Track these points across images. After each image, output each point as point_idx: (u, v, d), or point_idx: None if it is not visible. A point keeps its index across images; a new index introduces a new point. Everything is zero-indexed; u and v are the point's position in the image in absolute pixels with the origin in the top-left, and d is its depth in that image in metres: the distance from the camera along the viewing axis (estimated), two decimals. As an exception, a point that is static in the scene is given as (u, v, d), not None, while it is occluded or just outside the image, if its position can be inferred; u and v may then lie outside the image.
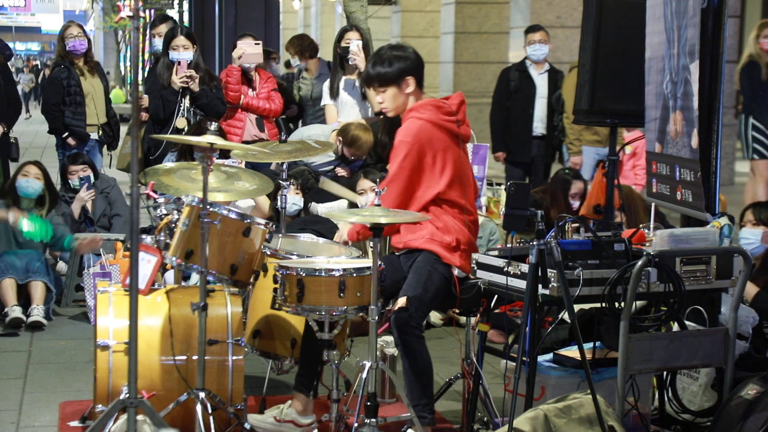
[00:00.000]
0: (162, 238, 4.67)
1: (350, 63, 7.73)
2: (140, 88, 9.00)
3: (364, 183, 6.73)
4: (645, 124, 5.42)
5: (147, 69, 8.71)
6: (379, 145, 7.29)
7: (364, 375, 4.35)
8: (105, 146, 8.86)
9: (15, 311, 6.65)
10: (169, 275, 5.44)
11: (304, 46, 8.96)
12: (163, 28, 8.36)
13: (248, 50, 7.97)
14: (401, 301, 4.52)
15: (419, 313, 4.56)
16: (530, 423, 4.03)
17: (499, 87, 9.23)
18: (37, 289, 6.83)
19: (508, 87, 8.95)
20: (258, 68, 8.19)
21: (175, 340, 4.56)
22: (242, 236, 4.54)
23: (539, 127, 8.88)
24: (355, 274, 4.38)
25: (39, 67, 39.14)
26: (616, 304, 4.16)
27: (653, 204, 5.34)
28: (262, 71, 8.31)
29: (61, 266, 7.58)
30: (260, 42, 8.19)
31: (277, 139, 5.70)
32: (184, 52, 7.64)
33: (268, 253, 4.70)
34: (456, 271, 4.66)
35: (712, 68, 4.93)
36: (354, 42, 7.70)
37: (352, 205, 6.78)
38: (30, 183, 7.19)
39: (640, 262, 4.10)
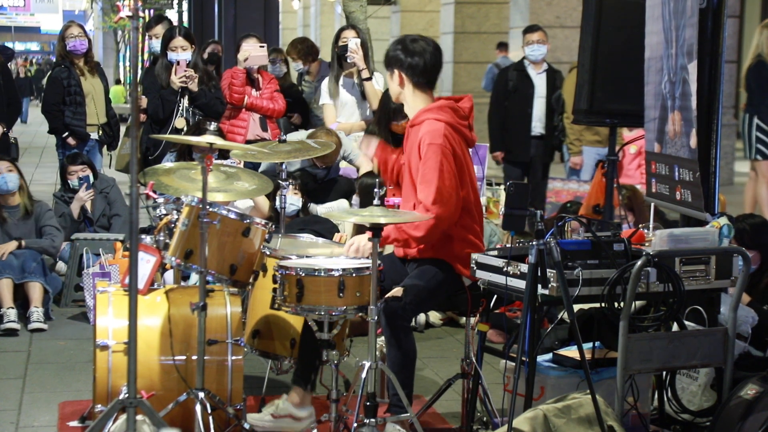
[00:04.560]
0: (161, 238, 4.67)
1: (348, 61, 7.74)
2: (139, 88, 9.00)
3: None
4: (644, 124, 5.42)
5: (144, 69, 8.71)
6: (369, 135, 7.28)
7: (364, 375, 4.34)
8: (105, 146, 8.86)
9: (10, 315, 6.62)
10: (169, 275, 5.44)
11: (306, 49, 8.96)
12: (159, 29, 8.36)
13: (254, 53, 8.00)
14: (396, 290, 4.53)
15: (411, 307, 4.56)
16: (530, 423, 4.03)
17: (497, 87, 9.23)
18: (35, 290, 6.82)
19: (506, 87, 8.96)
20: (260, 69, 8.20)
21: (175, 340, 4.56)
22: (242, 236, 4.54)
23: (538, 126, 8.89)
24: (354, 274, 4.38)
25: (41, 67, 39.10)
26: (616, 304, 4.16)
27: (653, 204, 5.34)
28: (265, 72, 8.32)
29: (61, 266, 7.58)
30: (265, 44, 8.21)
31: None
32: (182, 53, 7.65)
33: (268, 253, 4.70)
34: (467, 281, 4.69)
35: (711, 68, 4.93)
36: (351, 39, 7.71)
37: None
38: (7, 178, 7.18)
39: (639, 262, 4.10)
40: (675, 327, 4.56)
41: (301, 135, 7.37)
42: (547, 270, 4.10)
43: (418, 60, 4.72)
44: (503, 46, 16.95)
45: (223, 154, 6.25)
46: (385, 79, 8.14)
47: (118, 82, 35.48)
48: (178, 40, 7.68)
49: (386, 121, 7.11)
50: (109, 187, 7.87)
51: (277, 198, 5.58)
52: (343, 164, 7.55)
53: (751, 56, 8.78)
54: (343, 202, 7.27)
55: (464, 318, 4.95)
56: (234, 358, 4.66)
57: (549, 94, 8.84)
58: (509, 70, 9.11)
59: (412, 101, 4.78)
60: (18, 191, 7.27)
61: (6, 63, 9.39)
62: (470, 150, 7.67)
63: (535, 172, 8.95)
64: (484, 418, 4.77)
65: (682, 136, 4.93)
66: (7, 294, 6.75)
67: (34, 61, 43.75)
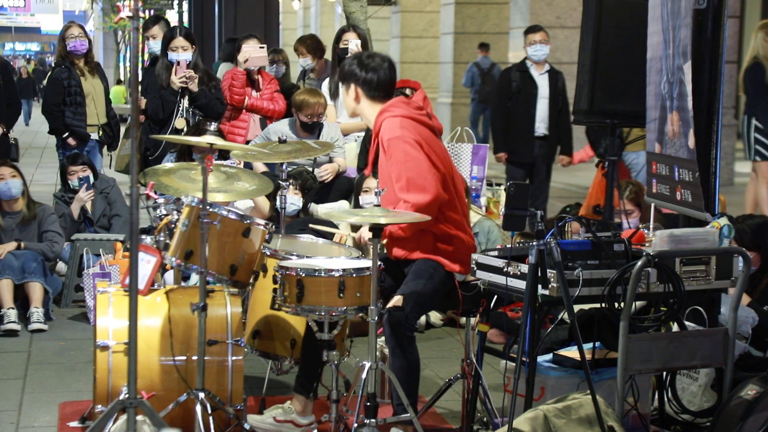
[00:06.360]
0: (162, 239, 4.67)
1: (349, 63, 7.74)
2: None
3: (371, 182, 6.71)
4: (646, 125, 5.42)
5: (143, 69, 8.72)
6: (369, 141, 7.29)
7: (364, 375, 4.35)
8: (105, 147, 8.86)
9: (10, 316, 6.62)
10: (169, 275, 5.44)
11: (315, 44, 8.96)
12: (156, 30, 8.36)
13: (254, 54, 8.00)
14: (397, 300, 4.53)
15: (414, 314, 4.57)
16: (530, 423, 4.03)
17: (499, 87, 9.20)
18: (35, 291, 6.82)
19: (509, 87, 8.93)
20: (260, 70, 8.21)
21: (175, 341, 4.56)
22: (242, 237, 4.54)
23: (541, 127, 8.87)
24: (354, 275, 4.38)
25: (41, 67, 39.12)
26: (616, 305, 4.16)
27: (653, 204, 5.34)
28: (265, 73, 8.33)
29: (61, 266, 7.59)
30: (265, 45, 8.22)
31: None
32: (183, 53, 7.65)
33: (268, 253, 4.71)
34: (458, 276, 4.68)
35: (711, 68, 4.93)
36: (352, 42, 7.71)
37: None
38: (10, 184, 7.18)
39: (639, 263, 4.10)
40: (675, 327, 4.56)
41: (284, 123, 7.44)
42: (548, 270, 4.10)
43: (373, 75, 4.78)
44: (484, 47, 17.42)
45: (224, 154, 6.25)
46: None
47: (118, 82, 35.51)
48: (179, 41, 7.69)
49: None
50: (109, 187, 7.87)
51: (278, 198, 5.58)
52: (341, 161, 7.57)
53: (748, 58, 8.78)
54: (343, 203, 7.28)
55: (464, 318, 4.95)
56: (234, 358, 4.66)
57: (552, 95, 8.83)
58: (512, 71, 9.08)
59: (371, 114, 4.82)
60: (20, 196, 7.27)
61: (6, 64, 9.38)
62: (471, 150, 7.70)
63: (538, 173, 8.94)
64: (485, 419, 4.77)
65: (680, 136, 4.93)
66: (7, 294, 6.74)
67: (30, 59, 43.82)
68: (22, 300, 6.86)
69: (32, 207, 7.30)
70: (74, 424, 4.92)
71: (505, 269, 4.31)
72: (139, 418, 4.15)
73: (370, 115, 4.83)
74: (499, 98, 9.11)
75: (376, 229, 4.32)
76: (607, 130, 8.53)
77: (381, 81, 4.79)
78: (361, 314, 4.43)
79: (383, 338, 5.02)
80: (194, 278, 6.03)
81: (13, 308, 6.69)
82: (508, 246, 4.58)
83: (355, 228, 6.61)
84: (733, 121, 13.26)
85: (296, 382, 4.85)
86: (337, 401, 4.49)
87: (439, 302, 4.98)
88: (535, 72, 8.86)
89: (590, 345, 4.47)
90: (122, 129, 9.06)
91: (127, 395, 3.99)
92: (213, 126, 6.16)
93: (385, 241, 4.77)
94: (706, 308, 4.76)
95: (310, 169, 7.34)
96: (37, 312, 6.71)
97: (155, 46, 8.19)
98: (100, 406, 4.52)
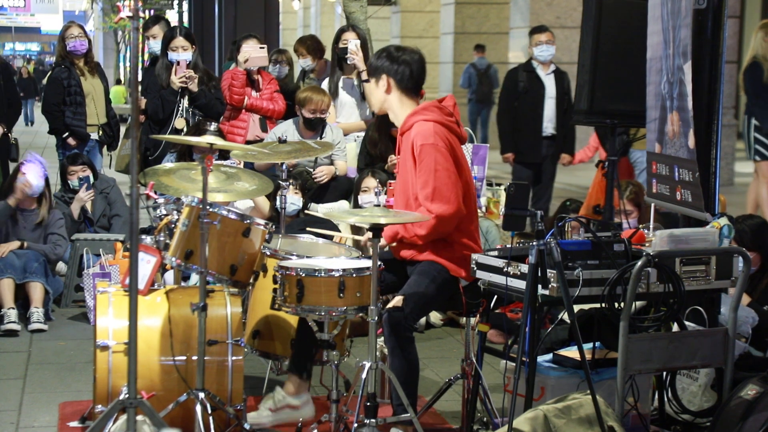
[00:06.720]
0: (162, 239, 4.67)
1: (349, 63, 7.75)
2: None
3: (370, 181, 6.72)
4: (646, 125, 5.42)
5: (144, 69, 8.72)
6: (369, 142, 7.29)
7: (364, 375, 4.35)
8: (105, 146, 8.86)
9: (10, 316, 6.62)
10: (169, 275, 5.44)
11: (315, 45, 8.97)
12: (156, 30, 8.37)
13: (254, 54, 8.01)
14: (397, 300, 4.53)
15: (413, 315, 4.56)
16: (530, 423, 4.03)
17: (506, 88, 9.19)
18: (36, 291, 6.82)
19: (516, 88, 8.93)
20: (260, 70, 8.22)
21: (175, 341, 4.57)
22: (242, 237, 4.55)
23: (549, 127, 8.87)
24: (354, 275, 4.38)
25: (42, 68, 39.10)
26: (616, 305, 4.16)
27: (653, 204, 5.34)
28: (265, 73, 8.33)
29: (61, 266, 7.59)
30: (265, 46, 8.23)
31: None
32: (183, 53, 7.66)
33: (268, 253, 4.71)
34: (462, 282, 4.69)
35: (711, 68, 4.92)
36: (352, 41, 7.71)
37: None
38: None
39: (639, 263, 4.10)
40: (675, 327, 4.56)
41: (288, 123, 7.44)
42: (548, 270, 4.10)
43: (406, 68, 4.77)
44: (480, 48, 17.53)
45: (223, 154, 6.25)
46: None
47: (118, 82, 35.51)
48: (179, 40, 7.69)
49: (386, 127, 7.12)
50: (109, 187, 7.87)
51: (278, 198, 5.58)
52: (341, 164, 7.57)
53: (748, 58, 8.78)
54: (343, 203, 7.28)
55: (464, 318, 4.95)
56: (234, 358, 4.66)
57: (558, 95, 8.84)
58: (518, 71, 9.07)
59: (400, 108, 4.80)
60: (41, 199, 7.25)
61: (7, 64, 9.39)
62: (471, 150, 7.70)
63: (546, 173, 8.93)
64: (485, 419, 4.77)
65: (680, 136, 4.93)
66: (8, 294, 6.74)
67: (30, 60, 43.84)
68: (22, 300, 6.86)
69: (49, 212, 7.31)
70: (74, 424, 4.92)
71: (505, 269, 4.30)
72: (139, 418, 4.15)
73: (398, 110, 4.81)
74: (506, 99, 9.09)
75: (376, 229, 4.32)
76: (608, 130, 8.49)
77: (414, 73, 4.78)
78: (361, 314, 4.43)
79: (383, 338, 5.02)
80: (194, 278, 6.03)
81: (13, 308, 6.69)
82: (508, 246, 4.58)
83: (357, 232, 6.62)
84: (733, 121, 13.25)
85: (290, 363, 4.83)
86: (337, 401, 4.49)
87: (442, 304, 4.98)
88: (542, 72, 8.86)
89: (590, 345, 4.47)
90: (122, 129, 9.06)
91: (127, 395, 3.99)
92: (213, 126, 6.16)
93: (393, 243, 4.77)
94: (706, 308, 4.76)
95: (310, 169, 7.35)
96: (37, 312, 6.71)
97: (155, 46, 8.20)
98: (100, 406, 4.52)
